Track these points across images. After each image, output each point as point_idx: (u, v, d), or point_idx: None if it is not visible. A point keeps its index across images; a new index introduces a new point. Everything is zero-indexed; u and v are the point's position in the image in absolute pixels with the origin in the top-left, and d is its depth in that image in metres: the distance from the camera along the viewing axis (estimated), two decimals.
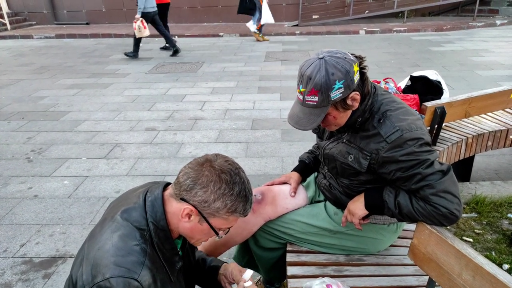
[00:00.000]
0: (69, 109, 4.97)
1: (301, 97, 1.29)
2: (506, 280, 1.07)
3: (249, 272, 1.21)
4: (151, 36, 10.13)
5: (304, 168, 1.78)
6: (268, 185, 1.74)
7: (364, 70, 1.30)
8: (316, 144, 1.79)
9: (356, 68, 1.26)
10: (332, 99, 1.25)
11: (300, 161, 1.82)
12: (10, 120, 4.65)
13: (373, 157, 1.35)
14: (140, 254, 0.97)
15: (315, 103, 1.26)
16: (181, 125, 4.41)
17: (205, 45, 9.14)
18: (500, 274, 1.10)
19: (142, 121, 4.54)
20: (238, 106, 4.97)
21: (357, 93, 1.29)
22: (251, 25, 9.26)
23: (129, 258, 0.95)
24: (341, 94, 1.25)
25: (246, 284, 1.16)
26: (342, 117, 1.35)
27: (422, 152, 1.28)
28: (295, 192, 1.70)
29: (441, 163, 1.31)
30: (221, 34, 10.27)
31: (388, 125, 1.32)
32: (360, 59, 1.31)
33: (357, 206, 1.46)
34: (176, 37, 10.22)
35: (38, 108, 5.04)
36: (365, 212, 1.45)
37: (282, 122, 4.43)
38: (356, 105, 1.32)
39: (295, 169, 1.78)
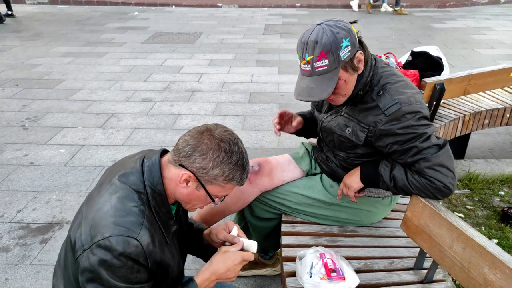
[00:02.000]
0: (64, 78, 4.90)
1: (308, 67, 1.25)
2: (495, 251, 1.10)
3: (235, 229, 1.20)
4: (148, 4, 9.89)
5: (305, 118, 1.68)
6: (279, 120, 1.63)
7: (358, 35, 1.30)
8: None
9: (354, 29, 1.27)
10: (342, 59, 1.23)
11: (299, 113, 1.70)
12: (4, 87, 4.58)
13: (370, 129, 1.35)
14: (138, 215, 0.98)
15: (326, 67, 1.23)
16: (178, 97, 4.37)
17: (203, 16, 8.94)
18: (490, 246, 1.12)
19: (139, 92, 4.49)
20: (235, 79, 4.91)
21: (361, 52, 1.29)
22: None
23: (128, 218, 0.96)
24: (349, 53, 1.24)
25: (245, 243, 1.16)
26: (352, 81, 1.32)
27: (420, 125, 1.28)
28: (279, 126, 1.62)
29: (438, 137, 1.32)
30: (220, 4, 10.02)
31: (387, 97, 1.31)
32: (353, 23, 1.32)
33: (353, 179, 1.47)
34: (174, 6, 9.97)
35: (33, 75, 4.96)
36: (361, 185, 1.46)
37: (280, 96, 4.40)
38: (362, 67, 1.31)
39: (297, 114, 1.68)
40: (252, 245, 1.15)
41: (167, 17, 8.74)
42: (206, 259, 1.33)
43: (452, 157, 1.32)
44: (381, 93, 1.33)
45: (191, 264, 2.08)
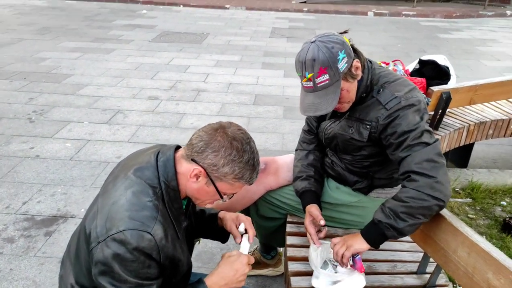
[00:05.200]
0: (72, 72, 4.93)
1: (310, 83, 1.30)
2: (499, 257, 1.11)
3: (242, 226, 1.24)
4: (156, 3, 9.95)
5: (315, 195, 1.59)
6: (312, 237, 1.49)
7: (351, 42, 1.34)
8: (300, 151, 1.71)
9: (346, 39, 1.31)
10: (341, 71, 1.28)
11: (304, 191, 1.59)
12: (12, 79, 4.61)
13: (373, 125, 1.38)
14: (153, 209, 1.00)
15: (328, 81, 1.28)
16: (183, 96, 4.39)
17: (210, 17, 8.99)
18: (494, 251, 1.14)
19: (145, 89, 4.52)
20: (241, 81, 4.94)
21: (357, 60, 1.33)
22: None
23: (143, 213, 0.98)
24: (346, 64, 1.28)
25: (243, 248, 1.19)
26: (353, 89, 1.37)
27: (415, 119, 1.30)
28: (323, 220, 1.49)
29: (430, 136, 1.31)
30: (227, 6, 10.08)
31: (387, 93, 1.36)
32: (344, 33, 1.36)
33: (356, 240, 1.34)
34: (181, 5, 10.03)
35: (40, 69, 4.99)
36: (364, 246, 1.32)
37: (285, 99, 4.42)
38: (360, 73, 1.35)
39: (308, 201, 1.57)
40: (244, 248, 1.18)
41: (174, 16, 8.80)
42: (223, 241, 1.37)
43: (441, 154, 1.28)
44: (381, 90, 1.38)
45: (194, 261, 2.09)
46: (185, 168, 1.06)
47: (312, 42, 1.29)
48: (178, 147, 1.13)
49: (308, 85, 1.31)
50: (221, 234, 1.34)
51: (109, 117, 3.80)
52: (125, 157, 1.23)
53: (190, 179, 1.05)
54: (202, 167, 1.03)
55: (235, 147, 1.02)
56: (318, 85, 1.29)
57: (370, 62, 1.43)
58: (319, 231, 1.49)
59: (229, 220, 1.28)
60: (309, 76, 1.28)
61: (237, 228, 1.24)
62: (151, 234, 0.97)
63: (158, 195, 1.03)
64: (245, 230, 1.24)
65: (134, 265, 0.96)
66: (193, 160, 1.04)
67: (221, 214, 1.33)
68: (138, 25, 7.74)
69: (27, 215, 2.43)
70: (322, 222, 1.46)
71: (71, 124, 3.62)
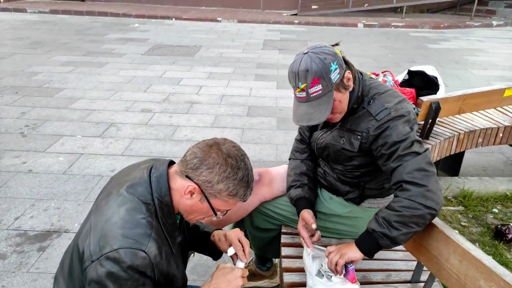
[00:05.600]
0: (64, 86, 4.93)
1: (303, 94, 1.32)
2: (490, 264, 1.13)
3: (231, 250, 1.23)
4: (148, 16, 10.02)
5: (309, 202, 1.61)
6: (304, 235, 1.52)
7: (342, 55, 1.37)
8: (293, 160, 1.74)
9: (337, 51, 1.34)
10: (334, 81, 1.31)
11: (298, 198, 1.61)
12: (3, 94, 4.59)
13: (363, 136, 1.41)
14: (146, 227, 1.00)
15: (321, 91, 1.31)
16: (177, 108, 4.41)
17: (202, 29, 9.06)
18: (485, 259, 1.16)
19: (138, 102, 4.53)
20: (234, 92, 4.98)
21: (349, 71, 1.36)
22: None
23: (136, 231, 0.98)
24: (338, 75, 1.32)
25: (238, 265, 1.19)
26: (345, 99, 1.40)
27: (405, 130, 1.33)
28: (315, 224, 1.50)
29: (420, 146, 1.34)
30: (219, 19, 10.18)
31: (377, 104, 1.39)
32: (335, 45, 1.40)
33: (350, 249, 1.35)
34: (174, 19, 10.12)
35: (32, 83, 4.98)
36: (358, 254, 1.33)
37: (278, 110, 4.46)
38: (351, 84, 1.38)
39: (302, 208, 1.58)
40: (240, 263, 1.18)
41: (167, 29, 8.86)
42: (215, 258, 1.37)
43: (431, 163, 1.30)
44: (371, 101, 1.41)
45: (189, 274, 2.08)
46: (179, 184, 1.06)
47: (304, 54, 1.31)
48: (171, 163, 1.14)
49: (301, 96, 1.33)
50: (214, 250, 1.34)
51: (102, 130, 3.79)
52: (118, 170, 1.23)
53: (184, 195, 1.05)
54: (196, 183, 1.03)
55: (229, 164, 1.03)
56: (311, 95, 1.31)
57: (361, 73, 1.47)
58: (312, 235, 1.51)
59: (222, 244, 1.28)
60: (302, 86, 1.31)
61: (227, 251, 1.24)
62: (145, 252, 0.96)
63: (152, 211, 1.03)
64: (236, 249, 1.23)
65: (128, 284, 0.96)
66: (187, 176, 1.04)
67: (214, 233, 1.33)
68: (130, 38, 7.78)
69: (20, 230, 2.41)
70: (314, 226, 1.48)
71: (64, 138, 3.61)
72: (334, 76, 1.30)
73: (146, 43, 7.40)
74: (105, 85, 5.04)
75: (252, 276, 2.02)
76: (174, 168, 1.09)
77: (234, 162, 1.03)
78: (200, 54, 6.82)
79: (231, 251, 1.23)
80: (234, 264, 1.21)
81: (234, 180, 1.03)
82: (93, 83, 5.09)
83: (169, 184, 1.06)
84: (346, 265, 1.34)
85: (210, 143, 1.06)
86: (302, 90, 1.31)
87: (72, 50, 6.70)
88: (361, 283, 1.47)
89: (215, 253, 1.36)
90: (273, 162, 3.32)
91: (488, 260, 1.15)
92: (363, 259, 1.58)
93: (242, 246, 1.22)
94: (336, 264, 1.34)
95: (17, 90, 4.72)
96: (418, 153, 1.30)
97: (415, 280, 1.50)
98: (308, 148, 1.73)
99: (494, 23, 10.63)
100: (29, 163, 3.17)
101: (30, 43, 7.01)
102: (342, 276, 1.36)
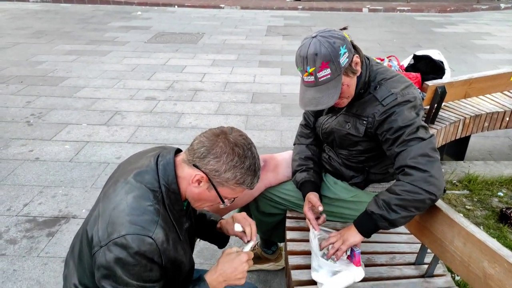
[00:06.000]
0: (68, 75, 4.93)
1: (311, 78, 1.31)
2: (494, 246, 1.14)
3: (237, 226, 1.25)
4: (151, 4, 9.95)
5: (315, 185, 1.62)
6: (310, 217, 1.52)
7: (350, 39, 1.36)
8: (298, 145, 1.74)
9: (346, 35, 1.33)
10: (343, 65, 1.30)
11: (305, 181, 1.61)
12: (8, 83, 4.61)
13: (369, 121, 1.41)
14: (154, 213, 1.01)
15: (329, 75, 1.29)
16: (181, 96, 4.41)
17: (205, 16, 8.99)
18: (489, 241, 1.16)
19: (142, 90, 4.53)
20: (238, 79, 4.96)
21: (357, 56, 1.35)
22: None
23: (143, 217, 0.99)
24: (347, 59, 1.30)
25: (245, 249, 1.21)
26: (353, 84, 1.39)
27: (411, 115, 1.33)
28: (322, 206, 1.51)
29: (425, 131, 1.34)
30: (222, 5, 10.08)
31: (384, 89, 1.38)
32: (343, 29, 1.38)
33: (351, 233, 1.37)
34: (176, 6, 10.03)
35: (37, 72, 5.00)
36: (358, 238, 1.35)
37: (282, 96, 4.44)
38: (359, 69, 1.37)
39: (308, 191, 1.59)
40: (247, 247, 1.19)
41: (169, 17, 8.80)
42: (220, 246, 1.38)
43: (435, 149, 1.31)
44: (378, 87, 1.41)
45: (196, 258, 2.11)
46: (187, 173, 1.06)
47: (313, 37, 1.30)
48: (178, 150, 1.14)
49: (309, 80, 1.32)
50: (220, 239, 1.36)
51: (107, 118, 3.81)
52: (125, 158, 1.24)
53: (192, 184, 1.05)
54: (204, 172, 1.04)
55: (236, 153, 1.03)
56: (319, 80, 1.30)
57: (368, 59, 1.45)
58: (318, 218, 1.52)
59: (229, 226, 1.29)
60: (310, 70, 1.29)
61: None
62: (152, 238, 0.97)
63: (159, 198, 1.04)
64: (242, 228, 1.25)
65: (136, 269, 0.97)
66: (194, 165, 1.04)
67: (222, 221, 1.35)
68: (133, 26, 7.74)
69: (29, 216, 2.45)
70: (320, 208, 1.49)
71: (70, 126, 3.63)
72: (343, 60, 1.29)
73: (149, 31, 7.36)
74: (109, 74, 5.04)
75: (258, 259, 2.05)
76: (181, 156, 1.10)
77: (241, 151, 1.04)
78: (203, 41, 6.78)
79: (238, 227, 1.25)
80: (244, 242, 1.22)
81: (242, 169, 1.04)
82: (97, 72, 5.09)
83: (176, 172, 1.07)
84: (352, 249, 1.36)
85: (217, 132, 1.06)
86: (311, 74, 1.30)
87: (75, 39, 6.69)
88: (366, 265, 1.48)
89: (221, 241, 1.37)
90: (278, 148, 3.33)
91: (492, 242, 1.16)
92: (368, 242, 1.60)
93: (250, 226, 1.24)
94: (337, 250, 1.35)
95: (22, 80, 4.74)
96: (423, 139, 1.30)
97: (419, 262, 1.51)
98: (313, 133, 1.73)
99: (502, 5, 10.44)
100: (36, 151, 3.20)
101: (33, 33, 7.00)
102: (346, 258, 1.38)
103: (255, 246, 2.09)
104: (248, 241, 1.22)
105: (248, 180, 1.06)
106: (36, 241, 2.25)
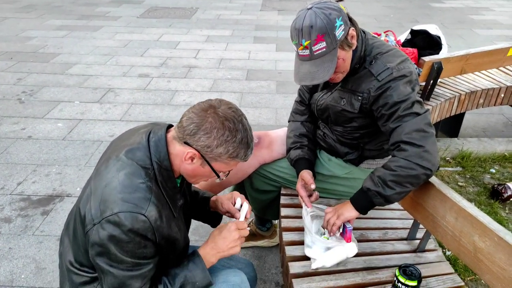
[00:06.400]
0: (59, 51, 4.83)
1: (306, 52, 1.28)
2: (485, 221, 1.15)
3: (239, 201, 1.26)
4: None
5: (309, 163, 1.61)
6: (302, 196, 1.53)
7: (346, 11, 1.33)
8: (292, 122, 1.73)
9: (342, 7, 1.29)
10: (338, 38, 1.27)
11: (298, 159, 1.61)
12: None
13: (364, 96, 1.39)
14: (146, 191, 1.00)
15: (325, 49, 1.26)
16: (174, 73, 4.34)
17: None
18: (480, 215, 1.18)
19: (135, 67, 4.46)
20: (233, 56, 4.88)
21: (353, 29, 1.32)
22: None
23: (135, 195, 0.98)
24: (343, 32, 1.27)
25: (241, 219, 1.21)
26: (349, 58, 1.36)
27: (407, 90, 1.31)
28: (314, 184, 1.51)
29: (421, 106, 1.32)
30: None
31: (379, 64, 1.36)
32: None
33: (346, 208, 1.37)
34: None
35: (27, 48, 4.88)
36: (353, 213, 1.36)
37: (278, 73, 4.39)
38: (355, 42, 1.34)
39: (301, 168, 1.58)
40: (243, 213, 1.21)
41: None
42: (213, 225, 1.38)
43: (430, 124, 1.30)
44: (373, 61, 1.38)
45: (191, 235, 2.13)
46: (178, 150, 1.05)
47: (308, 9, 1.26)
48: (169, 126, 1.12)
49: (304, 54, 1.29)
50: (212, 217, 1.36)
51: (100, 96, 3.76)
52: (117, 135, 1.22)
53: (185, 161, 1.04)
54: (195, 149, 1.02)
55: (227, 127, 1.01)
56: (314, 53, 1.27)
57: (364, 32, 1.42)
58: (310, 195, 1.53)
59: (224, 200, 1.30)
60: (305, 43, 1.26)
61: (234, 205, 1.27)
62: (145, 216, 0.97)
63: (151, 176, 1.03)
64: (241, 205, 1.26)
65: (130, 246, 0.97)
66: (185, 143, 1.03)
67: (214, 197, 1.35)
68: (125, 0, 7.53)
69: (23, 195, 2.44)
70: (313, 186, 1.49)
71: (62, 104, 3.58)
72: (339, 33, 1.26)
73: (141, 5, 7.17)
74: (101, 50, 4.94)
75: (253, 236, 2.08)
76: (172, 133, 1.08)
77: (231, 125, 1.02)
78: (197, 16, 6.63)
79: (239, 201, 1.26)
80: (237, 219, 1.23)
81: (234, 142, 1.02)
82: (89, 48, 4.99)
83: (168, 148, 1.06)
84: (345, 225, 1.37)
85: (205, 106, 1.04)
86: (306, 47, 1.27)
87: (66, 13, 6.51)
88: (359, 241, 1.50)
89: (214, 219, 1.38)
90: (273, 126, 3.31)
91: (483, 217, 1.17)
92: (361, 218, 1.61)
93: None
94: (333, 225, 1.36)
95: (11, 56, 4.63)
96: (418, 114, 1.29)
97: (411, 237, 1.53)
98: (308, 110, 1.71)
99: None
100: (28, 129, 3.16)
101: (22, 7, 6.79)
102: (339, 235, 1.39)
103: (250, 223, 2.11)
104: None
105: (242, 153, 1.05)
106: (31, 219, 2.25)
